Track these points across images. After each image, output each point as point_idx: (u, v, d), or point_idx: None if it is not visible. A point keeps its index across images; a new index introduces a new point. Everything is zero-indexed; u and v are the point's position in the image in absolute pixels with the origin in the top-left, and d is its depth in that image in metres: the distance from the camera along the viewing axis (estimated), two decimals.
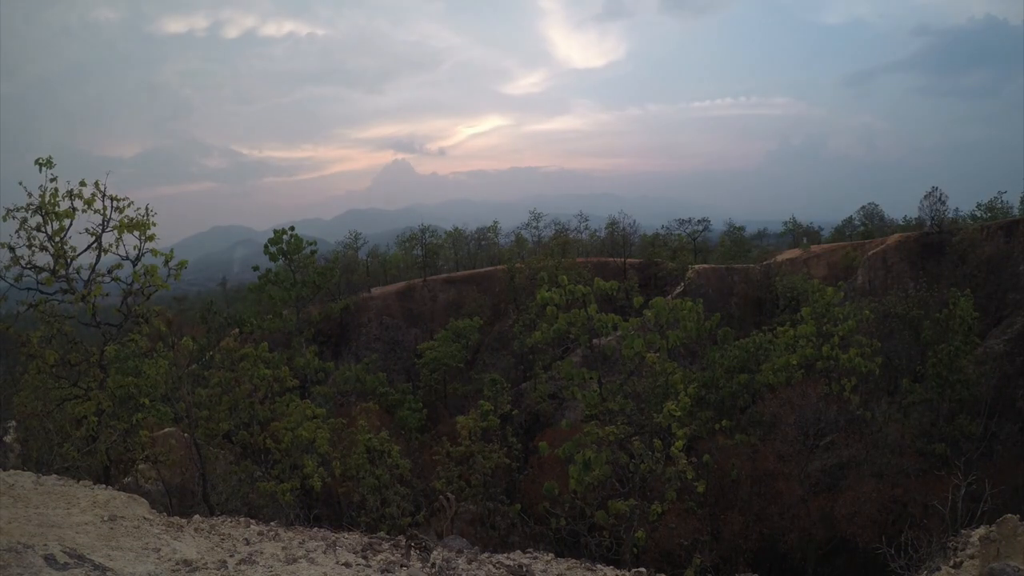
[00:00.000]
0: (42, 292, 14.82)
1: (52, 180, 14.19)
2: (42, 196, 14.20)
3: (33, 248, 14.37)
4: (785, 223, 77.91)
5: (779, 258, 57.25)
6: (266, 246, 40.41)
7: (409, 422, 34.56)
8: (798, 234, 73.41)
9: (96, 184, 14.68)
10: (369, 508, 20.32)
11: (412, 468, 23.60)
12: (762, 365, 29.38)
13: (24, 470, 6.80)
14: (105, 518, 5.53)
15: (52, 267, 14.65)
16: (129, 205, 14.95)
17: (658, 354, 22.75)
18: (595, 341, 24.64)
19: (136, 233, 15.08)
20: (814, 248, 59.09)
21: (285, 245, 39.64)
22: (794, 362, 27.93)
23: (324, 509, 21.64)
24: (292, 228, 40.54)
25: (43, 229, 14.42)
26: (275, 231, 40.30)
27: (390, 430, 25.80)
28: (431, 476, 24.90)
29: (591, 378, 23.29)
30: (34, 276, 14.64)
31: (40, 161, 14.09)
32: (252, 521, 6.32)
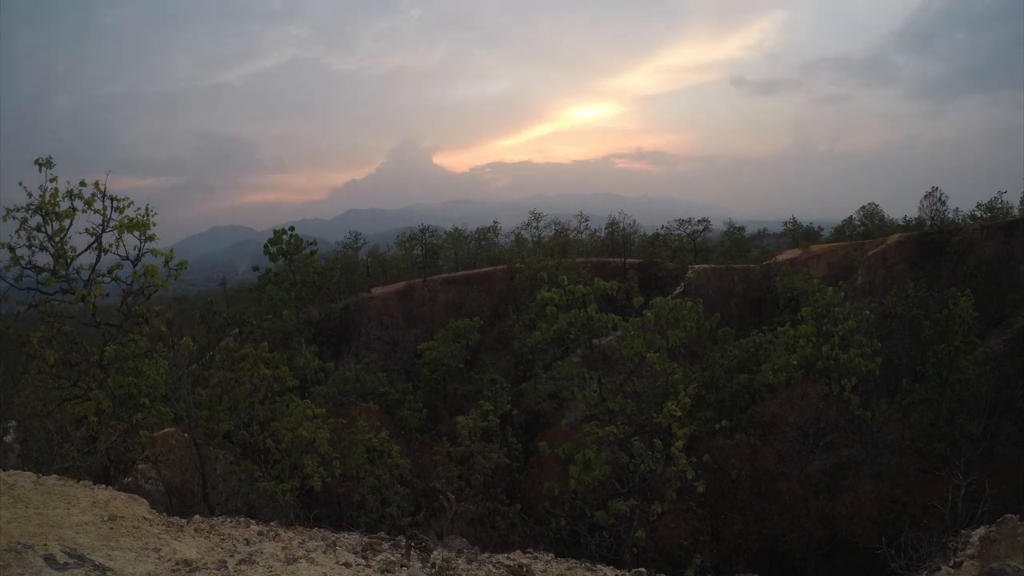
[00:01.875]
0: (42, 292, 14.83)
1: (52, 180, 14.22)
2: (42, 196, 14.21)
3: (33, 248, 14.40)
4: (785, 223, 77.86)
5: (779, 258, 57.27)
6: (266, 246, 40.38)
7: (409, 422, 34.53)
8: (797, 234, 73.36)
9: (96, 184, 14.70)
10: (369, 508, 20.31)
11: (412, 468, 23.59)
12: (762, 365, 29.40)
13: (24, 470, 6.79)
14: (105, 518, 5.53)
15: (52, 267, 14.68)
16: (129, 205, 14.99)
17: (658, 354, 22.73)
18: (595, 341, 24.62)
19: (136, 233, 15.10)
20: (814, 248, 59.10)
21: (285, 245, 39.62)
22: (794, 362, 27.93)
23: (324, 509, 21.61)
24: (292, 228, 40.53)
25: (43, 229, 14.44)
26: (275, 231, 40.28)
27: (390, 430, 25.77)
28: (431, 476, 24.88)
29: (591, 378, 23.26)
30: (34, 276, 14.66)
31: (40, 161, 14.11)
32: (252, 521, 6.32)
